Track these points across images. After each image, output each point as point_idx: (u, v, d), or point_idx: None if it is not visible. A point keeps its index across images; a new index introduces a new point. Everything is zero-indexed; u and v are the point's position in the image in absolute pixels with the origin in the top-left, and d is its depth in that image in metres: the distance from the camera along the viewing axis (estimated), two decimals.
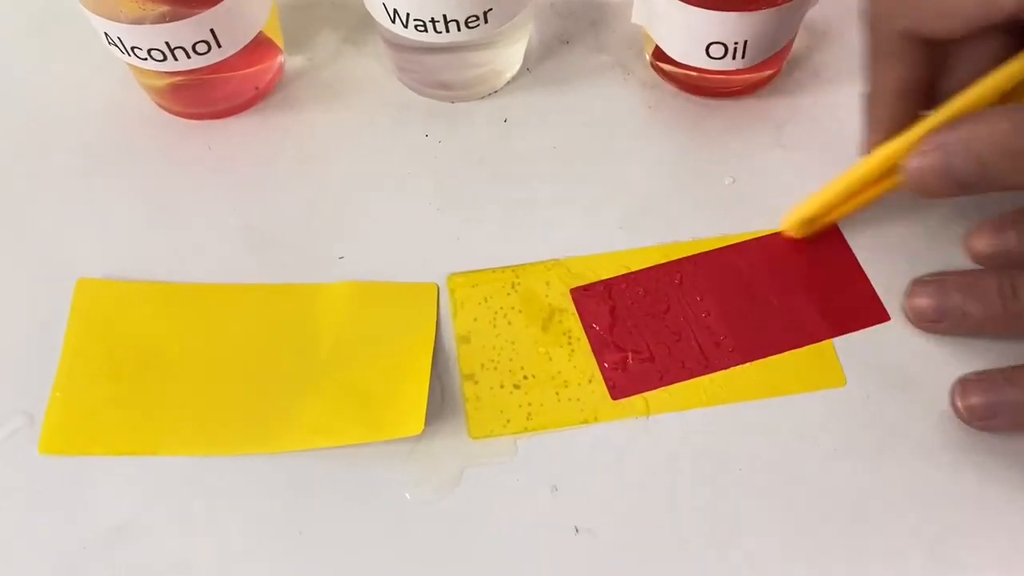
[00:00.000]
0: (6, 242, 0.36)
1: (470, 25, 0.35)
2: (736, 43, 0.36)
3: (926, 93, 0.32)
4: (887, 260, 0.35)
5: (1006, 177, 0.27)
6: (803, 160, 0.38)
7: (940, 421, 0.32)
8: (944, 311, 0.32)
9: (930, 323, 0.33)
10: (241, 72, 0.38)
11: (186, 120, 0.39)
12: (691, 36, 0.37)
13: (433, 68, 0.39)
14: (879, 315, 0.35)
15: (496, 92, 0.40)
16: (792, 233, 0.36)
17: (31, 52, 0.42)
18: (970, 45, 0.31)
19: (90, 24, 0.35)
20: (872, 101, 0.33)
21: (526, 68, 0.41)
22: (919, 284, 0.34)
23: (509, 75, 0.41)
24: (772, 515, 0.31)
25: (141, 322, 0.34)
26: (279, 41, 0.40)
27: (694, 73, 0.39)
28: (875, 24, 0.32)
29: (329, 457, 0.32)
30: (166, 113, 0.40)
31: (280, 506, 0.31)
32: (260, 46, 0.38)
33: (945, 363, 0.33)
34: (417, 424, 0.31)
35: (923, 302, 0.33)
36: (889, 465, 0.32)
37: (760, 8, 0.35)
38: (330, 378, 0.33)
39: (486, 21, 0.35)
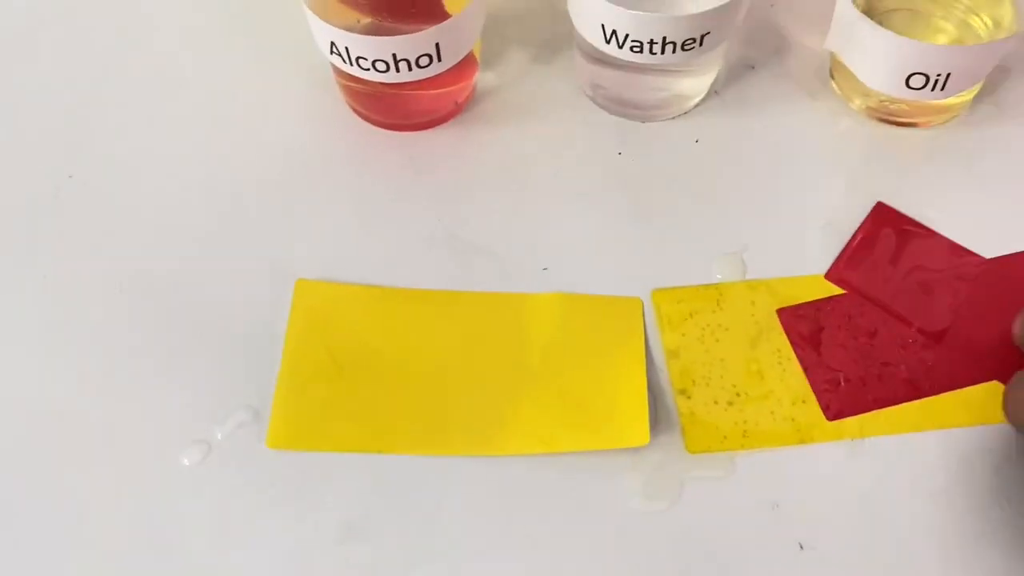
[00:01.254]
0: (229, 242, 0.37)
1: (686, 48, 0.36)
2: (939, 75, 0.37)
3: None
4: None
5: None
6: (998, 192, 0.38)
7: None
8: None
9: None
10: (447, 88, 0.39)
11: (384, 130, 0.41)
12: (893, 65, 0.37)
13: (629, 87, 0.40)
14: None
15: (685, 114, 0.41)
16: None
17: (235, 59, 0.43)
18: None
19: (303, 30, 0.36)
20: None
21: (714, 91, 0.42)
22: None
23: (697, 99, 0.41)
24: (988, 539, 0.31)
25: (357, 323, 0.35)
26: (479, 57, 0.41)
27: (888, 102, 0.40)
28: None
29: (549, 464, 0.32)
30: (363, 122, 0.41)
31: (504, 506, 0.32)
32: (465, 62, 0.39)
33: None
34: (643, 434, 0.32)
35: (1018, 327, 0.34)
36: None
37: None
38: (545, 386, 0.34)
39: (700, 44, 0.36)
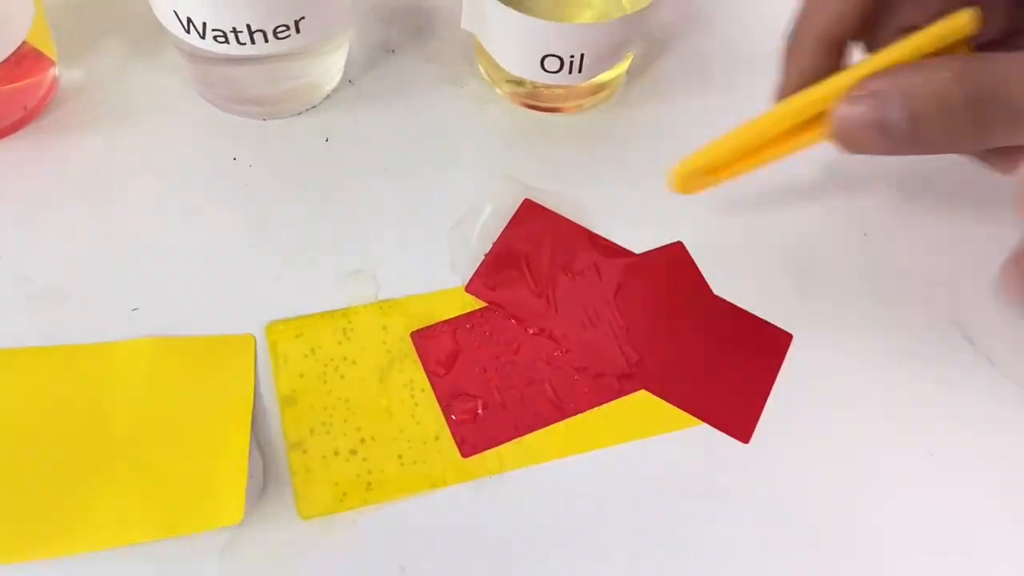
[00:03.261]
0: None
1: (279, 36, 0.31)
2: (572, 56, 0.34)
3: (856, 40, 0.28)
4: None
5: (939, 138, 0.24)
6: (650, 178, 0.36)
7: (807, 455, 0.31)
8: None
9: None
10: (3, 89, 0.32)
11: None
12: (525, 47, 0.34)
13: (240, 82, 0.34)
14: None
15: (314, 107, 0.36)
16: (677, 188, 0.29)
17: None
18: None
19: None
20: (797, 41, 0.28)
21: (347, 80, 0.37)
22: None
23: (329, 88, 0.36)
24: (646, 571, 0.28)
25: None
26: (50, 52, 0.34)
27: (531, 86, 0.36)
28: None
29: (128, 558, 0.27)
30: None
31: None
32: (25, 58, 0.32)
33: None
34: (235, 510, 0.27)
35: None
36: (760, 502, 0.30)
37: None
38: (126, 459, 0.28)
39: (298, 31, 0.31)
